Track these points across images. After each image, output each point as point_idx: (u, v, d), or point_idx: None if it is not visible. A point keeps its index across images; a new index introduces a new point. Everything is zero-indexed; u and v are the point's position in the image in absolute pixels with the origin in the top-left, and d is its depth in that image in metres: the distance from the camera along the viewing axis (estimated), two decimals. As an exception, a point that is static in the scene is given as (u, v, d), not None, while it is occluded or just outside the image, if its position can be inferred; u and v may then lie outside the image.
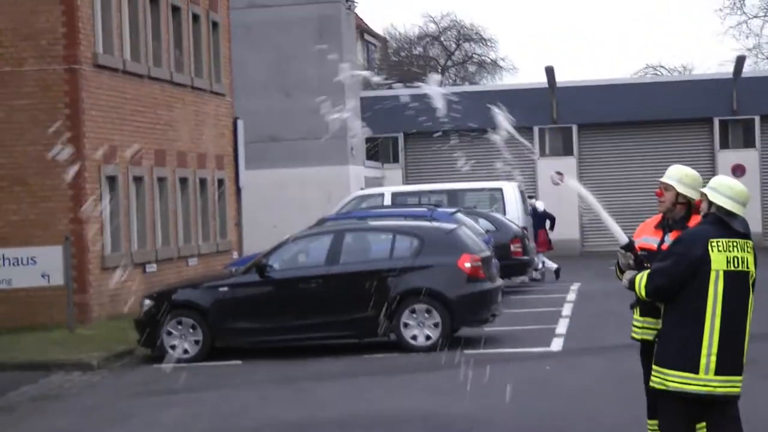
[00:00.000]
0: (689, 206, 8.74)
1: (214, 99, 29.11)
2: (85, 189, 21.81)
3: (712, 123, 42.50)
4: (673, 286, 8.00)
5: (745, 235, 8.07)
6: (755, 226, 41.10)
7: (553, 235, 32.79)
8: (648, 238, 8.88)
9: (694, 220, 8.74)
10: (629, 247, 8.51)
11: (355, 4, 40.12)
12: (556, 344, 17.60)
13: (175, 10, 26.89)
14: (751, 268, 8.05)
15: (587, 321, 20.12)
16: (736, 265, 7.94)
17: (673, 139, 43.07)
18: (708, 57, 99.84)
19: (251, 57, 37.47)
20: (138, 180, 24.40)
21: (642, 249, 8.74)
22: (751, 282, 8.06)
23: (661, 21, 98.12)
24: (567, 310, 22.23)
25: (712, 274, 7.92)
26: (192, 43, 27.86)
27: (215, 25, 29.55)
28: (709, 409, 8.10)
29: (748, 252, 8.03)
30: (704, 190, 8.21)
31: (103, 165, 22.55)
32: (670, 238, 8.73)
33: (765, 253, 39.20)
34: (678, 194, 8.70)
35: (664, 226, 8.85)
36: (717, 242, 7.95)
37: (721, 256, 7.93)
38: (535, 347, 17.34)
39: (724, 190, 8.10)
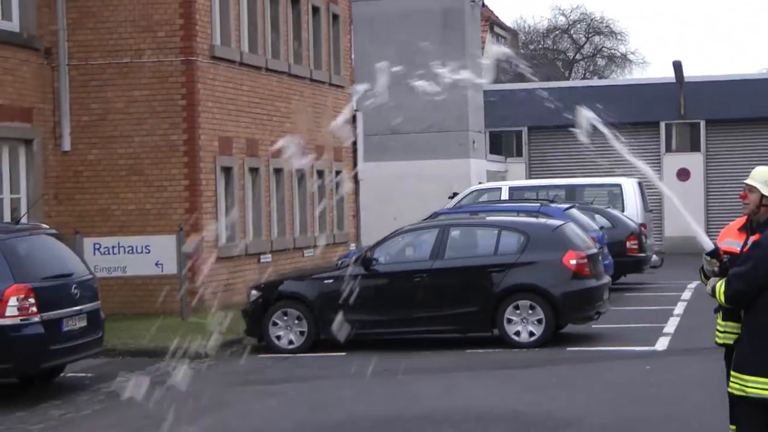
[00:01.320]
0: (773, 209, 8.53)
1: (333, 91, 29.29)
2: (200, 180, 22.14)
3: None
4: (751, 291, 7.88)
5: None
6: None
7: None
8: (731, 241, 8.70)
9: (780, 223, 8.52)
10: (714, 253, 8.36)
11: (480, -4, 39.94)
12: (662, 344, 17.32)
13: (295, 2, 27.12)
14: None
15: (698, 320, 19.66)
16: None
17: (806, 137, 41.98)
18: None
19: (373, 50, 37.54)
20: (254, 171, 24.69)
21: (725, 252, 8.58)
22: None
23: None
24: (680, 308, 21.84)
25: None
26: (311, 35, 28.07)
27: (335, 17, 29.72)
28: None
29: None
30: None
31: (218, 156, 22.88)
32: (752, 241, 8.54)
33: None
34: (763, 196, 8.50)
35: (747, 229, 8.65)
36: None
37: None
38: (640, 346, 17.08)
39: None
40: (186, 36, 21.98)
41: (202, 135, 22.28)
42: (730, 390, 8.04)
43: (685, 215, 8.67)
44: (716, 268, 8.35)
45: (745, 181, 8.66)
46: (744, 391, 7.91)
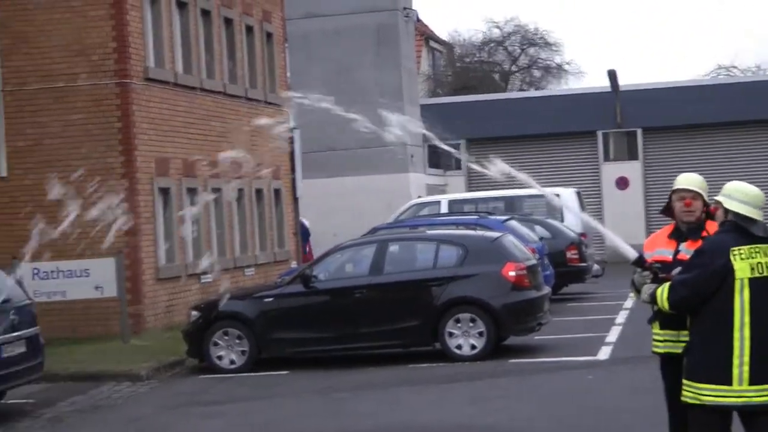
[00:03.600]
0: (706, 214, 8.61)
1: (270, 110, 29.24)
2: (138, 202, 22.02)
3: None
4: (697, 297, 7.87)
5: (766, 239, 7.92)
6: None
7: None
8: (662, 250, 8.70)
9: (709, 227, 8.58)
10: (640, 262, 8.38)
11: (413, 11, 40.11)
12: (604, 353, 17.42)
13: (228, 22, 27.09)
14: None
15: (640, 328, 19.77)
16: (760, 271, 7.79)
17: (741, 142, 42.43)
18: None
19: (309, 67, 37.61)
20: (192, 192, 24.60)
21: (656, 261, 8.59)
22: None
23: (731, 20, 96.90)
24: (622, 317, 21.99)
25: (737, 283, 7.77)
26: (246, 54, 28.05)
27: (269, 35, 29.71)
28: (748, 421, 7.96)
29: None
30: (719, 197, 8.07)
31: (155, 177, 22.78)
32: (685, 248, 8.57)
33: None
34: (704, 202, 8.58)
35: (677, 236, 8.70)
36: (739, 250, 7.80)
37: (744, 264, 7.78)
38: (582, 356, 17.17)
39: (738, 195, 7.95)
40: (120, 59, 21.88)
41: (139, 157, 22.18)
42: (683, 399, 7.99)
43: (602, 229, 8.73)
44: (648, 280, 8.35)
45: (688, 188, 8.62)
46: (698, 399, 7.85)
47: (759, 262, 7.81)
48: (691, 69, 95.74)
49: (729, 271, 7.78)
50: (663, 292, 8.04)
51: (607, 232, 8.54)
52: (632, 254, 8.29)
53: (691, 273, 7.90)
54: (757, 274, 7.79)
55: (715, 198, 8.16)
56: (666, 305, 8.03)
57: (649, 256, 8.61)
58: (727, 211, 7.98)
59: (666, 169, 42.40)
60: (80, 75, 21.94)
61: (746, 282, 7.77)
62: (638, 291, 8.43)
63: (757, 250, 7.84)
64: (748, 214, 7.89)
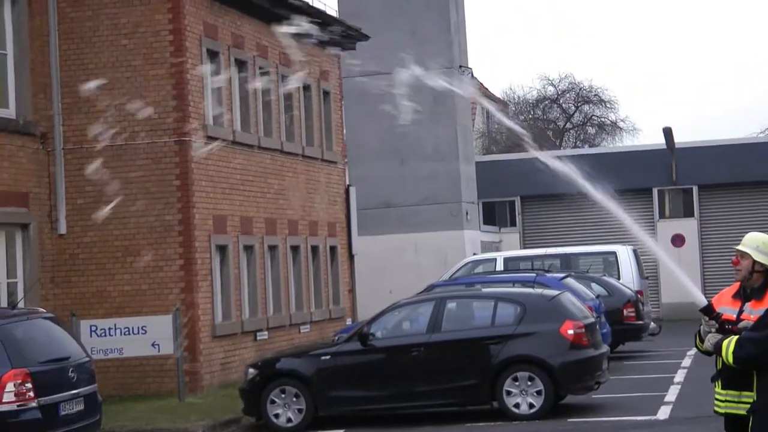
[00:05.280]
0: (767, 274, 8.56)
1: (326, 167, 29.42)
2: (196, 259, 22.15)
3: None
4: (765, 356, 7.83)
5: None
6: None
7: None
8: (726, 308, 8.70)
9: (775, 288, 8.53)
10: (708, 309, 8.36)
11: (468, 68, 40.26)
12: (663, 412, 17.24)
13: (286, 80, 27.28)
14: None
15: (699, 388, 19.61)
16: None
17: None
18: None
19: (365, 124, 37.78)
20: (248, 249, 24.72)
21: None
22: None
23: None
24: (680, 376, 21.77)
25: None
26: (303, 112, 28.25)
27: (326, 93, 29.93)
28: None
29: None
30: None
31: (213, 234, 22.91)
32: (749, 308, 8.55)
33: None
34: (755, 262, 8.54)
35: (742, 296, 8.67)
36: None
37: None
38: (642, 416, 17.00)
39: None
40: (179, 117, 22.10)
41: (197, 214, 22.34)
42: None
43: (678, 272, 8.67)
44: (713, 329, 8.33)
45: (737, 248, 8.70)
46: None
47: None
48: (746, 126, 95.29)
49: None
50: (730, 345, 8.00)
51: (681, 274, 8.51)
52: (702, 301, 8.29)
53: (761, 332, 7.85)
54: None
55: None
56: (731, 359, 7.99)
57: (715, 313, 8.58)
58: None
59: (722, 226, 42.12)
60: (139, 133, 22.18)
61: None
62: (702, 341, 8.40)
63: None
64: None
